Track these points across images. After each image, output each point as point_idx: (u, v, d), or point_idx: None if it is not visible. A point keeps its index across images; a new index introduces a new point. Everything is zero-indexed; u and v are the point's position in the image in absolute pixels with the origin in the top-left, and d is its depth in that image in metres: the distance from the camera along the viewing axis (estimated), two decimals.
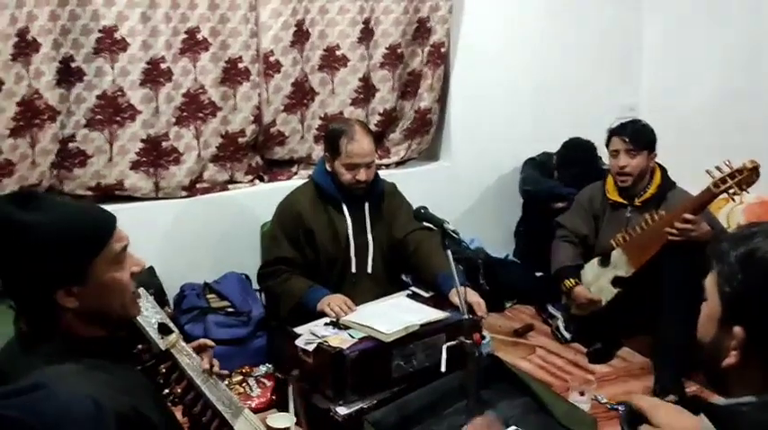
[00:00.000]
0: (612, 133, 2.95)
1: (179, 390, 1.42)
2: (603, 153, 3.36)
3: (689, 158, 3.06)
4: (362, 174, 2.62)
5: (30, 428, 0.81)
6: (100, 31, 2.80)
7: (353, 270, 2.69)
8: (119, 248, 1.25)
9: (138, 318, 1.36)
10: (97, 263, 1.21)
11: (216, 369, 1.54)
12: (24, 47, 2.67)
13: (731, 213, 3.27)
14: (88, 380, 1.08)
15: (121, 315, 1.29)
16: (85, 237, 1.21)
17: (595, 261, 2.97)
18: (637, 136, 2.88)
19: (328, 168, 2.69)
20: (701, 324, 1.09)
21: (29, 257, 1.16)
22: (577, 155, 3.54)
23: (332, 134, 2.67)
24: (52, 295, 1.18)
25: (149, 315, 1.41)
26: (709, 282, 1.07)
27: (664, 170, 2.96)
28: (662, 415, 1.03)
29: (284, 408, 2.33)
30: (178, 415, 1.48)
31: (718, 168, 2.59)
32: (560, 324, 3.14)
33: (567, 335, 3.10)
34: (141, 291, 1.37)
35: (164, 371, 1.40)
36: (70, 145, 2.90)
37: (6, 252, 1.16)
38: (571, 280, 2.94)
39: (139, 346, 1.38)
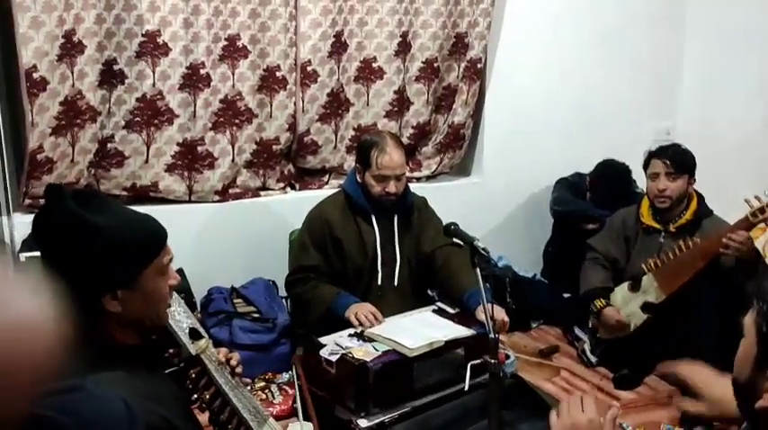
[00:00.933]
0: (653, 155, 2.91)
1: (207, 397, 1.44)
2: (637, 176, 3.32)
3: (725, 186, 3.02)
4: (392, 187, 2.63)
5: (64, 428, 0.83)
6: (143, 35, 2.85)
7: (380, 282, 2.69)
8: (167, 261, 1.31)
9: (170, 321, 1.39)
10: (147, 271, 1.27)
11: (239, 370, 1.55)
12: (70, 48, 2.73)
13: (767, 244, 3.20)
14: (124, 387, 1.10)
15: (155, 323, 1.33)
16: (144, 245, 1.27)
17: (625, 285, 2.93)
18: (678, 159, 2.84)
19: (359, 179, 2.70)
20: (737, 362, 1.06)
21: (93, 257, 1.20)
22: (611, 177, 3.50)
23: (363, 146, 2.69)
24: (100, 298, 1.21)
25: (181, 319, 1.43)
26: (749, 320, 1.04)
27: (701, 197, 2.92)
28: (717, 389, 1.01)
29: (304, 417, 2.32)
30: (203, 420, 1.49)
31: (756, 197, 2.55)
32: (586, 347, 3.10)
33: (593, 359, 3.05)
34: (174, 295, 1.40)
35: (193, 376, 1.42)
36: (109, 145, 2.96)
37: (73, 250, 1.20)
38: (601, 300, 2.91)
39: (170, 350, 1.40)
